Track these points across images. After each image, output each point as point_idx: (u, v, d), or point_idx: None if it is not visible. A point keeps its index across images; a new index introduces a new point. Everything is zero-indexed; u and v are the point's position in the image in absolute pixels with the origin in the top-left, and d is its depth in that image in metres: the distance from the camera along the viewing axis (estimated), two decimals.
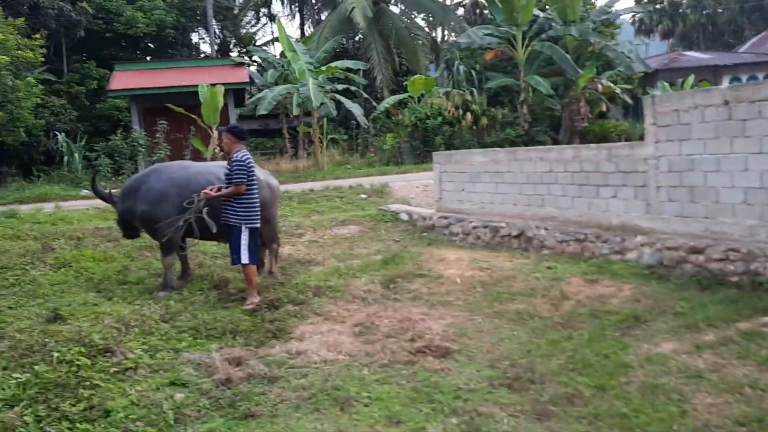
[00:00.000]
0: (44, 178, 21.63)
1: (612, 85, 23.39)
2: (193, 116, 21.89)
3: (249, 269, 6.94)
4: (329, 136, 24.54)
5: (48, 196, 18.62)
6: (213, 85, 21.54)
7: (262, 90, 30.83)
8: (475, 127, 22.91)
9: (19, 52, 20.30)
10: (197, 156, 22.99)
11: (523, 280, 7.47)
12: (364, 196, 15.39)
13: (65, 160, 21.86)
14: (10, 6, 24.36)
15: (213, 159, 22.06)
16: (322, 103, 22.10)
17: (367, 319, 6.30)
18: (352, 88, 24.56)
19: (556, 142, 23.51)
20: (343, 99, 23.03)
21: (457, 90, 23.78)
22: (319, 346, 5.55)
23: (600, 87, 23.77)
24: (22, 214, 13.55)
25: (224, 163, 8.39)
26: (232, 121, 25.63)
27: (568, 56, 22.47)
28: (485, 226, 10.58)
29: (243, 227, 6.90)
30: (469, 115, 22.55)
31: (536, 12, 23.85)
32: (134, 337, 5.65)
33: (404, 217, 12.99)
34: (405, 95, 24.50)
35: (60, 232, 11.08)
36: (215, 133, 21.96)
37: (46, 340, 5.36)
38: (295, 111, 24.80)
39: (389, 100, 24.16)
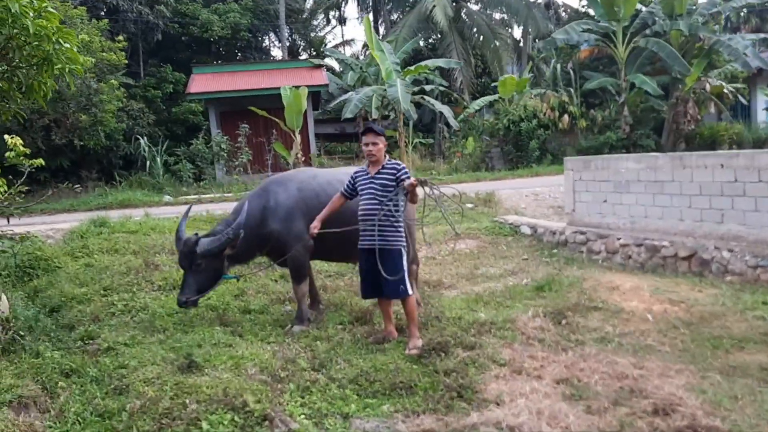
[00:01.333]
0: (125, 183, 21.10)
1: (723, 83, 21.38)
2: (276, 120, 21.02)
3: (412, 303, 5.71)
4: (415, 140, 23.26)
5: (131, 201, 18.02)
6: (296, 87, 20.59)
7: (339, 93, 30.05)
8: (573, 131, 21.31)
9: (103, 54, 19.79)
10: (277, 161, 22.22)
11: (740, 320, 6.01)
12: (470, 205, 14.05)
13: (147, 164, 21.24)
14: (90, 9, 24.09)
15: (295, 165, 21.20)
16: (410, 105, 20.87)
17: (569, 374, 4.97)
18: (441, 88, 23.23)
19: (658, 147, 21.68)
20: (432, 101, 21.71)
21: (552, 91, 22.17)
22: (531, 416, 4.23)
23: (708, 86, 21.81)
24: (112, 222, 12.72)
25: (350, 169, 7.23)
26: (311, 125, 24.72)
27: (677, 53, 20.62)
28: (639, 245, 9.11)
29: (402, 249, 5.67)
30: (566, 117, 20.97)
31: (638, 6, 22.08)
32: (291, 397, 4.47)
33: (526, 230, 11.60)
34: (494, 96, 23.04)
35: (159, 245, 10.14)
36: (298, 138, 21.05)
37: (186, 399, 4.24)
38: (374, 114, 23.75)
39: (480, 102, 22.75)
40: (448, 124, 27.30)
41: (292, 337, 5.92)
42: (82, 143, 20.26)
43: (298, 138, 21.20)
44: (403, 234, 5.68)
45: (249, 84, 24.04)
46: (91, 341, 6.08)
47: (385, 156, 5.73)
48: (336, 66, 32.44)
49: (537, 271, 9.16)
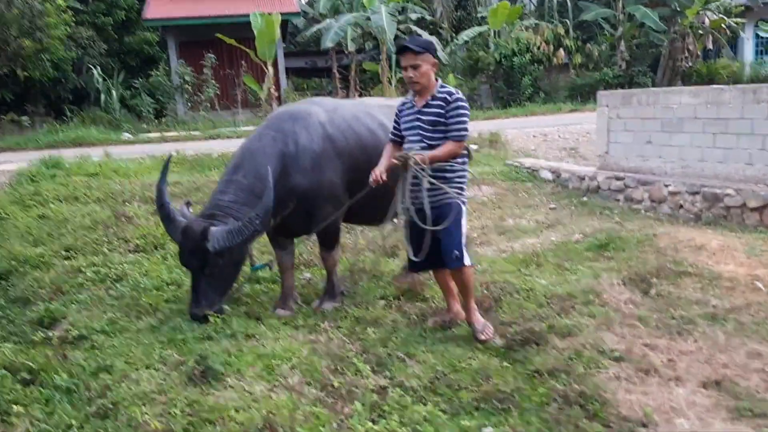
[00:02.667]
0: (77, 119, 18.93)
1: (724, 17, 20.13)
2: (246, 50, 19.00)
3: (468, 274, 4.27)
4: (398, 75, 21.47)
5: (85, 139, 16.08)
6: (269, 14, 18.54)
7: (305, 25, 27.84)
8: (566, 67, 19.91)
9: None
10: (246, 97, 20.26)
11: None
12: (475, 147, 12.63)
13: (102, 98, 19.06)
14: None
15: (267, 101, 19.35)
16: (396, 36, 19.06)
17: (713, 372, 3.73)
18: (427, 17, 21.38)
19: (653, 85, 20.51)
20: (420, 31, 19.89)
21: (547, 23, 20.60)
22: None
23: (707, 21, 20.54)
24: (67, 162, 10.94)
25: (389, 100, 5.74)
26: (282, 57, 22.62)
27: None
28: (694, 193, 7.90)
29: (462, 206, 4.26)
30: (561, 51, 19.51)
31: None
32: (359, 421, 3.10)
33: (547, 175, 10.32)
34: (482, 28, 21.31)
35: (127, 192, 8.50)
36: (270, 71, 19.14)
37: (206, 426, 2.84)
38: (350, 46, 21.87)
39: (468, 33, 20.96)
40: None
41: (326, 319, 4.51)
42: (26, 73, 17.96)
43: (271, 71, 19.28)
44: (464, 184, 4.27)
45: (214, 10, 21.66)
46: (53, 324, 4.59)
47: (436, 80, 4.14)
48: None
49: (577, 223, 7.91)
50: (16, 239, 6.46)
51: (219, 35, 18.89)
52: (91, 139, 16.23)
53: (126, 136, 17.11)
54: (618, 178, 8.99)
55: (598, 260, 6.20)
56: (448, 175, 4.14)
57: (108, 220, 7.00)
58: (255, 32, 18.46)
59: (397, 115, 4.37)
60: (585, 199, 9.31)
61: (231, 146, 14.10)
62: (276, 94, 19.79)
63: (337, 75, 24.18)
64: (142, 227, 6.70)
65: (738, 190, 7.41)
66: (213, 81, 19.03)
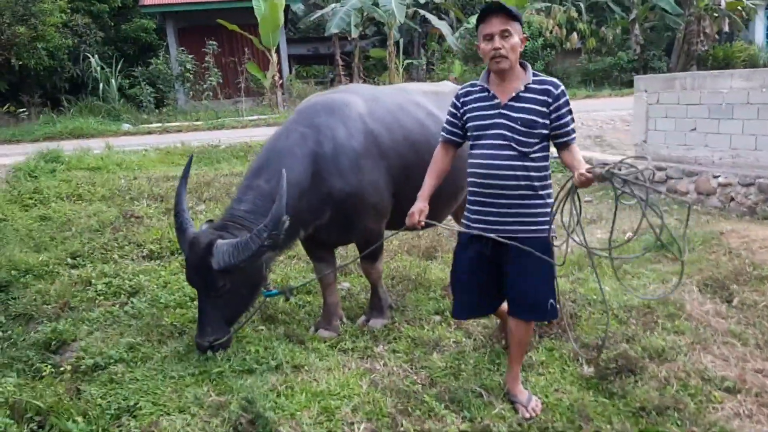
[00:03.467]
0: (74, 109, 18.23)
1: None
2: (249, 36, 18.28)
3: (531, 328, 3.33)
4: (405, 62, 20.80)
5: (84, 131, 15.45)
6: None
7: (305, 11, 27.08)
8: (578, 52, 19.25)
9: None
10: (248, 86, 19.54)
11: None
12: None
13: (100, 88, 18.33)
14: None
15: (273, 87, 18.65)
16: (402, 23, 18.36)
17: None
18: (435, 0, 20.62)
19: (668, 70, 19.87)
20: (429, 15, 19.16)
21: (559, 5, 19.89)
22: None
23: (723, 2, 19.87)
24: (67, 155, 10.31)
25: (434, 86, 5.00)
26: (284, 43, 21.83)
27: None
28: (748, 184, 7.29)
29: (553, 239, 3.16)
30: (575, 35, 18.83)
31: None
32: None
33: None
34: None
35: (135, 188, 7.86)
36: (274, 57, 18.44)
37: None
38: (354, 32, 21.16)
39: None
40: (425, 45, 24.79)
41: (378, 341, 3.91)
42: (21, 62, 17.24)
43: (275, 58, 18.59)
44: (550, 209, 3.11)
45: None
46: (62, 348, 3.99)
47: (523, 67, 3.09)
48: None
49: (621, 217, 7.31)
50: (15, 244, 5.84)
51: (220, 21, 18.16)
52: (90, 130, 15.58)
53: (126, 126, 16.45)
54: (660, 169, 8.37)
55: (661, 262, 5.62)
56: (542, 192, 3.07)
57: (116, 221, 6.38)
58: (258, 18, 17.75)
59: (456, 106, 3.24)
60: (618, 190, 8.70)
61: (237, 137, 13.56)
62: (280, 82, 19.10)
63: (340, 62, 23.52)
64: (154, 229, 6.07)
65: None
66: (215, 69, 18.32)
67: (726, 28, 20.65)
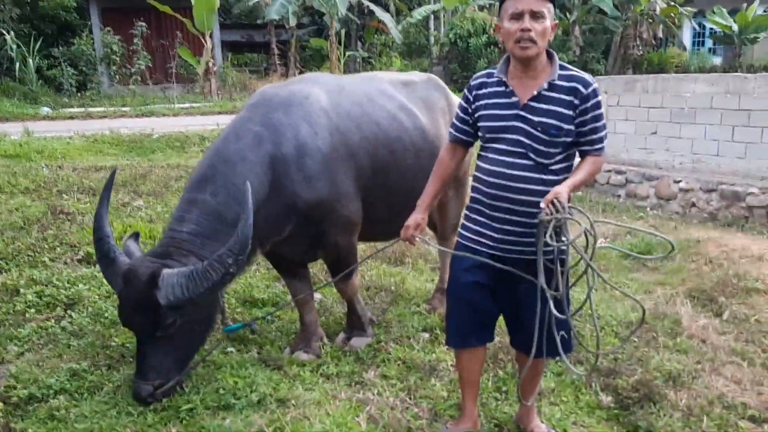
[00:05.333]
0: None
1: (677, 5, 19.96)
2: (182, 19, 17.29)
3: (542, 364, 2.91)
4: (347, 53, 20.24)
5: None
6: None
7: None
8: None
9: None
10: (178, 71, 18.51)
11: None
12: None
13: (16, 68, 16.89)
14: None
15: (206, 74, 17.75)
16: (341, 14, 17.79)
17: None
18: None
19: (604, 72, 20.19)
20: (372, 6, 18.66)
21: None
22: None
23: (658, 8, 20.35)
24: None
25: (404, 75, 4.33)
26: (217, 28, 20.80)
27: None
28: (710, 190, 7.24)
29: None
30: None
31: None
32: None
33: None
34: (436, 6, 20.34)
35: (60, 180, 7.05)
36: (209, 42, 17.54)
37: None
38: (292, 20, 20.48)
39: (422, 11, 19.92)
40: (362, 38, 24.30)
41: (364, 364, 3.44)
42: None
43: (209, 43, 17.68)
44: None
45: None
46: None
47: (550, 57, 2.58)
48: None
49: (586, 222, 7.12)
50: None
51: (151, 1, 17.09)
52: (5, 113, 14.35)
53: (45, 110, 15.24)
54: (619, 172, 8.27)
55: (641, 271, 5.41)
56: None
57: (43, 217, 5.62)
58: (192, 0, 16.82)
59: (467, 99, 2.70)
60: (580, 193, 8.55)
61: (169, 125, 12.71)
62: (214, 69, 18.20)
63: (276, 51, 22.74)
64: (88, 228, 5.35)
65: (763, 189, 6.79)
66: (144, 52, 17.24)
67: (660, 34, 21.17)
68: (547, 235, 2.38)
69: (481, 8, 19.82)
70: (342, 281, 3.55)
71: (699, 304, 4.61)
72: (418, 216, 2.86)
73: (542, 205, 2.41)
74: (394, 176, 3.55)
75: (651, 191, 7.88)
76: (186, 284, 2.72)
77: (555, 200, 2.39)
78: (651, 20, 20.32)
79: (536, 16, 2.46)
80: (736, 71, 17.01)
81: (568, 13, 20.06)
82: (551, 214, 2.37)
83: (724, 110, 7.25)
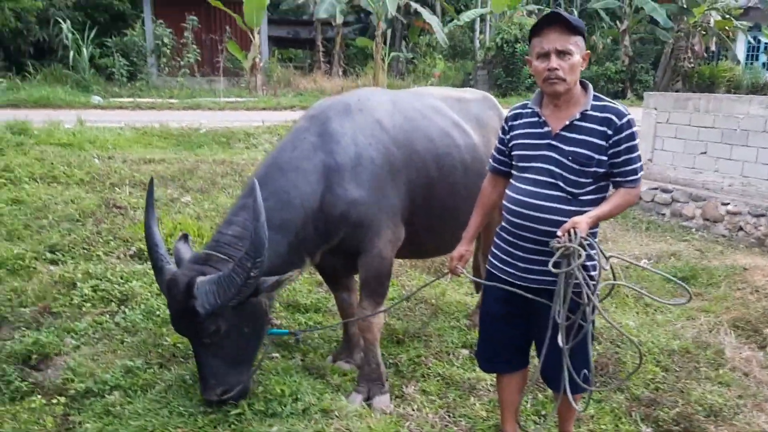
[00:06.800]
0: (40, 76, 17.23)
1: (732, 19, 19.52)
2: (233, 14, 17.54)
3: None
4: (392, 54, 20.29)
5: (50, 101, 14.60)
6: None
7: None
8: None
9: None
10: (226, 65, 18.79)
11: None
12: None
13: (70, 55, 17.35)
14: None
15: (253, 69, 17.98)
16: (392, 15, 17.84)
17: None
18: None
19: (655, 83, 19.87)
20: (420, 8, 18.69)
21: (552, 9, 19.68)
22: None
23: (712, 21, 19.91)
24: (35, 128, 9.61)
25: (455, 92, 4.34)
26: (265, 24, 21.05)
27: None
28: (759, 215, 7.11)
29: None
30: None
31: None
32: None
33: None
34: (484, 10, 20.25)
35: (113, 172, 7.26)
36: (257, 38, 17.76)
37: None
38: (338, 18, 20.58)
39: (469, 14, 19.86)
40: (407, 38, 24.29)
41: (404, 378, 3.49)
42: None
43: (257, 38, 17.91)
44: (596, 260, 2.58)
45: None
46: (43, 362, 3.49)
47: (583, 86, 2.62)
48: None
49: (628, 240, 7.08)
50: None
51: None
52: (57, 100, 14.73)
53: (96, 99, 15.63)
54: (665, 191, 8.16)
55: (681, 294, 5.34)
56: (593, 241, 2.52)
57: (98, 210, 5.81)
58: None
59: (504, 130, 2.81)
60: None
61: (215, 120, 12.94)
62: (260, 64, 18.44)
63: (321, 48, 22.92)
64: (140, 223, 5.53)
65: None
66: (194, 45, 17.56)
67: (713, 47, 20.75)
68: (551, 263, 2.43)
69: (530, 13, 19.67)
70: (369, 305, 3.37)
71: (743, 335, 4.55)
72: (462, 248, 2.94)
73: (559, 233, 2.45)
74: (442, 194, 3.58)
75: (697, 212, 7.77)
76: (216, 291, 2.78)
77: (572, 229, 2.42)
78: (704, 32, 19.91)
79: (563, 53, 2.49)
80: None
81: (618, 22, 19.80)
82: (564, 242, 2.41)
83: None
